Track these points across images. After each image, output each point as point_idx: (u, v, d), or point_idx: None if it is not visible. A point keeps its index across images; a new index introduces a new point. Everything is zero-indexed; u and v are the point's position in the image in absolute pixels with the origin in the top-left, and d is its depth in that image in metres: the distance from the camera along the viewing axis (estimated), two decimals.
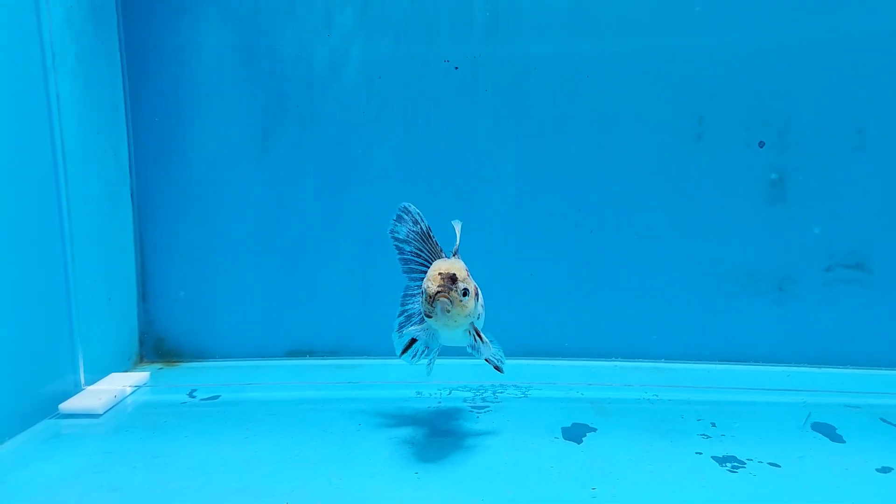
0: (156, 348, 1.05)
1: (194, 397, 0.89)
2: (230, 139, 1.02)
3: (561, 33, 0.99)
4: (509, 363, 1.01)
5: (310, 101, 1.01)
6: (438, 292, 0.61)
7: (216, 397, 0.89)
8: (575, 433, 0.76)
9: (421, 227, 0.71)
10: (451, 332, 0.66)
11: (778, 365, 0.98)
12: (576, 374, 0.96)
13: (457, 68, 1.00)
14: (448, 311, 0.62)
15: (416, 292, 0.73)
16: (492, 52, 1.00)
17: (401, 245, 0.73)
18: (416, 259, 0.72)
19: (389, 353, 1.03)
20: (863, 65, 0.95)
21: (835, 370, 0.96)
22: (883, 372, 0.95)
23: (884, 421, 0.79)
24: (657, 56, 0.97)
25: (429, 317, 0.63)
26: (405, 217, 0.72)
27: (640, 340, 1.01)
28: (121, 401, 0.87)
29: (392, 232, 0.73)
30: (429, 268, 0.70)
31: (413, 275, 0.73)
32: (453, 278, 0.63)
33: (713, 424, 0.78)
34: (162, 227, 1.04)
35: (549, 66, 0.99)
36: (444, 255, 0.70)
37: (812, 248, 0.97)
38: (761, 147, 0.98)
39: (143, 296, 1.05)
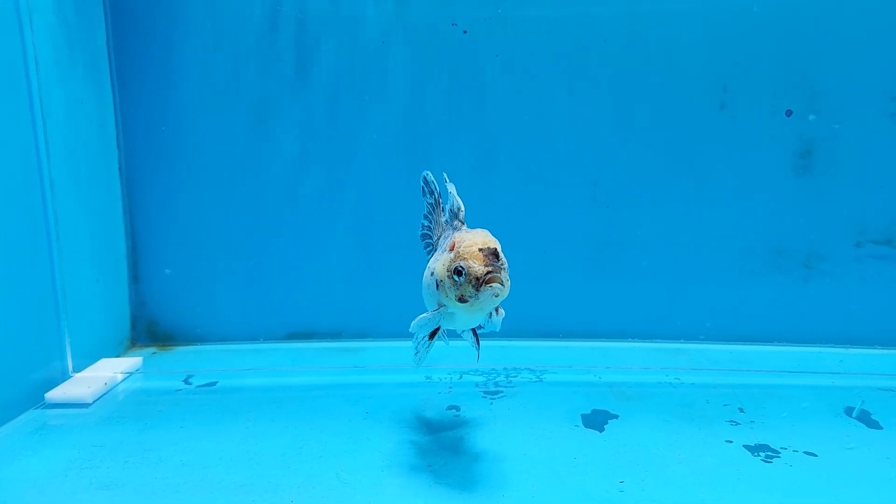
0: (149, 331, 1.00)
1: (190, 384, 0.85)
2: (225, 110, 0.96)
3: None
4: (521, 344, 0.97)
5: (308, 70, 0.95)
6: (489, 272, 0.51)
7: (213, 384, 0.84)
8: (596, 420, 0.71)
9: (434, 198, 0.65)
10: (475, 315, 0.56)
11: (805, 345, 0.94)
12: (592, 357, 0.92)
13: (465, 32, 0.94)
14: (497, 296, 0.51)
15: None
16: (503, 15, 0.93)
17: (423, 222, 0.67)
18: (428, 233, 0.67)
19: (394, 336, 1.01)
20: None
21: (865, 350, 0.92)
22: None
23: None
24: (679, 18, 0.91)
25: (464, 301, 0.52)
26: (425, 188, 0.66)
27: (658, 320, 0.96)
28: (111, 389, 0.82)
29: (424, 217, 0.67)
30: (432, 238, 0.65)
31: (427, 249, 0.68)
32: (496, 254, 0.52)
33: (741, 410, 0.74)
34: (154, 203, 0.98)
35: (565, 29, 0.93)
36: (447, 221, 0.64)
37: (841, 223, 0.92)
38: (788, 116, 0.92)
39: (135, 276, 0.99)
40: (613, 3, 0.92)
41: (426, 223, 0.67)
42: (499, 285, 0.51)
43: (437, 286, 0.55)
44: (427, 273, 0.59)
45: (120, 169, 0.97)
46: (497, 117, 0.95)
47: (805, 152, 0.92)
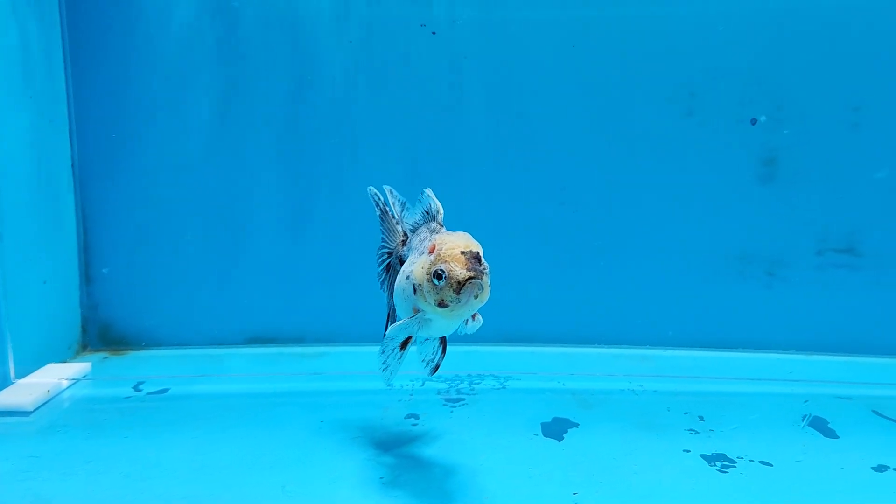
0: (101, 335, 0.96)
1: (140, 391, 0.81)
2: (186, 106, 0.93)
3: None
4: (487, 349, 0.96)
5: (270, 70, 0.92)
6: (471, 277, 0.49)
7: (165, 391, 0.81)
8: (556, 429, 0.70)
9: (380, 208, 0.65)
10: (452, 322, 0.54)
11: (768, 352, 0.94)
12: (557, 363, 0.91)
13: (434, 33, 0.92)
14: (476, 298, 0.49)
15: (383, 277, 0.66)
16: (472, 17, 0.92)
17: (382, 236, 0.66)
18: (381, 244, 0.66)
19: (358, 341, 0.99)
20: (860, 40, 0.89)
21: (826, 357, 0.92)
22: (874, 359, 0.91)
23: (877, 413, 0.75)
24: (648, 26, 0.91)
25: (444, 306, 0.50)
26: (377, 202, 0.65)
27: (624, 326, 0.96)
28: (55, 396, 0.79)
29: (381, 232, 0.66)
30: (388, 243, 0.64)
31: (380, 259, 0.67)
32: (478, 258, 0.50)
33: (701, 418, 0.73)
34: (108, 202, 0.95)
35: (534, 33, 0.92)
36: (400, 223, 0.63)
37: (803, 231, 0.93)
38: (753, 124, 0.92)
39: (87, 278, 0.96)
40: (583, 9, 0.91)
41: (383, 232, 0.66)
42: (480, 285, 0.49)
43: (415, 290, 0.52)
44: (402, 277, 0.56)
45: (73, 166, 0.94)
46: (465, 120, 0.94)
47: (769, 160, 0.93)
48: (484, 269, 0.50)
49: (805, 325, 0.93)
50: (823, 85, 0.91)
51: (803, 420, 0.72)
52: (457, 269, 0.49)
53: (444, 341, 0.61)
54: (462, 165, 0.94)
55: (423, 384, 0.83)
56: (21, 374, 0.81)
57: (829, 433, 0.70)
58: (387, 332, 0.56)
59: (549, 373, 0.86)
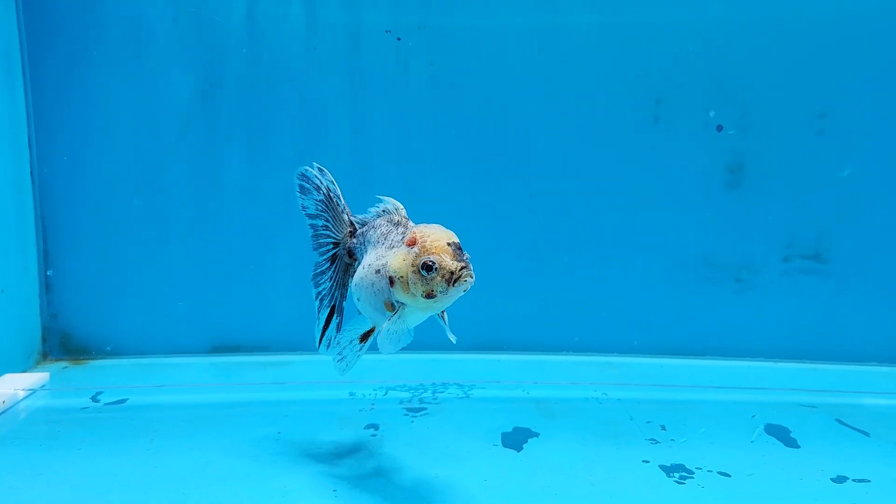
0: (62, 344, 0.95)
1: (98, 401, 0.80)
2: (149, 109, 0.92)
3: (512, 5, 0.91)
4: (453, 357, 0.95)
5: (232, 75, 0.91)
6: (463, 268, 0.50)
7: (123, 401, 0.80)
8: (516, 439, 0.70)
9: (323, 192, 0.61)
10: (426, 314, 0.55)
11: (735, 359, 0.94)
12: (522, 371, 0.90)
13: (399, 39, 0.92)
14: (465, 290, 0.51)
15: (324, 267, 0.63)
16: (437, 23, 0.91)
17: (312, 222, 0.63)
18: (325, 232, 0.62)
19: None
20: (826, 46, 0.90)
21: (792, 364, 0.93)
22: (840, 366, 0.92)
23: (840, 422, 0.75)
24: (614, 32, 0.91)
25: (432, 297, 0.51)
26: (307, 186, 0.61)
27: (591, 333, 0.95)
28: (11, 407, 0.77)
29: (303, 209, 0.63)
30: (333, 233, 0.61)
31: (320, 248, 0.63)
32: (460, 248, 0.52)
33: (663, 427, 0.73)
34: (68, 208, 0.93)
35: (500, 40, 0.91)
36: (351, 213, 0.62)
37: (771, 237, 0.93)
38: (719, 131, 0.92)
39: (46, 286, 0.94)
40: (547, 15, 0.91)
41: (321, 222, 0.62)
42: (469, 279, 0.51)
43: (392, 283, 0.53)
44: (368, 271, 0.56)
45: (32, 172, 0.92)
46: (431, 126, 0.93)
47: (736, 166, 0.93)
48: (468, 258, 0.52)
49: (772, 331, 0.94)
50: (789, 91, 0.91)
51: (755, 433, 0.71)
52: (448, 260, 0.50)
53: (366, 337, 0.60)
54: (429, 172, 0.94)
55: (386, 392, 0.82)
56: None
57: (791, 443, 0.70)
58: (381, 339, 0.54)
59: (514, 381, 0.86)
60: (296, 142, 0.93)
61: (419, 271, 0.51)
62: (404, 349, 0.98)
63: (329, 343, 0.63)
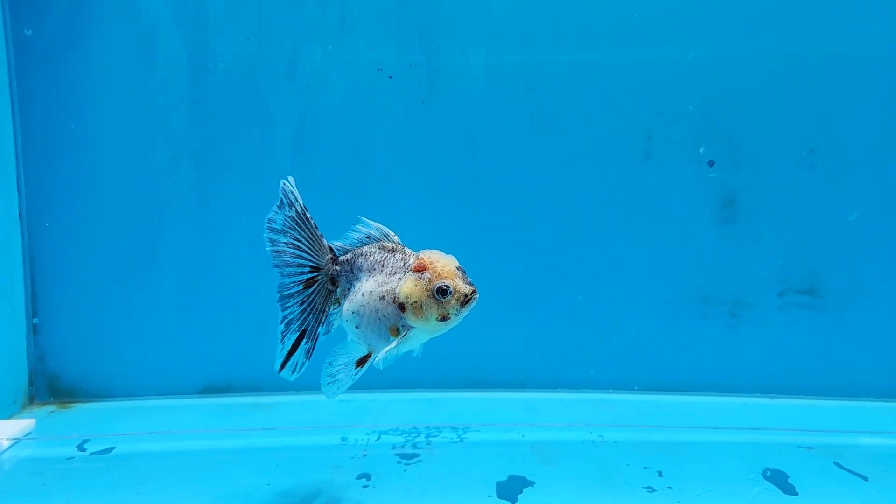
0: (49, 387, 0.93)
1: (84, 450, 0.78)
2: (139, 147, 0.91)
3: (503, 42, 0.91)
4: (445, 396, 0.94)
5: (231, 110, 0.91)
6: (474, 290, 0.55)
7: (110, 450, 0.78)
8: (511, 489, 0.68)
9: (296, 210, 0.59)
10: (426, 337, 0.58)
11: (730, 395, 0.93)
12: (516, 411, 0.89)
13: (391, 77, 0.92)
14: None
15: (293, 291, 0.61)
16: (429, 61, 0.91)
17: (275, 237, 0.60)
18: (292, 250, 0.60)
19: (313, 389, 0.96)
20: (815, 82, 0.90)
21: (789, 400, 0.92)
22: (836, 402, 0.91)
23: (838, 465, 0.74)
24: (605, 69, 0.91)
25: (446, 319, 0.55)
26: (284, 200, 0.59)
27: (585, 370, 0.95)
28: None
29: (269, 221, 0.60)
30: (311, 257, 0.60)
31: (287, 269, 0.60)
32: (463, 270, 0.56)
33: (660, 474, 0.72)
34: (57, 247, 0.92)
35: (491, 77, 0.91)
36: (323, 237, 0.60)
37: (765, 272, 0.93)
38: (711, 166, 0.92)
39: (34, 327, 0.93)
40: (539, 52, 0.91)
41: (286, 240, 0.59)
42: (476, 299, 0.55)
43: (404, 308, 0.55)
44: (372, 298, 0.57)
45: (20, 215, 0.91)
46: (423, 162, 0.93)
47: (728, 201, 0.93)
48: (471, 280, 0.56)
49: (768, 367, 0.93)
50: (780, 127, 0.91)
51: (752, 494, 0.69)
52: (461, 284, 0.55)
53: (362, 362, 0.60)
54: (421, 207, 0.93)
55: (378, 437, 0.81)
56: None
57: (789, 489, 0.69)
58: (381, 360, 0.56)
59: (509, 423, 0.84)
60: (293, 174, 0.92)
61: (434, 296, 0.54)
62: (397, 388, 0.97)
63: (295, 368, 0.61)
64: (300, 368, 0.61)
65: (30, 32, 0.89)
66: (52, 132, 0.90)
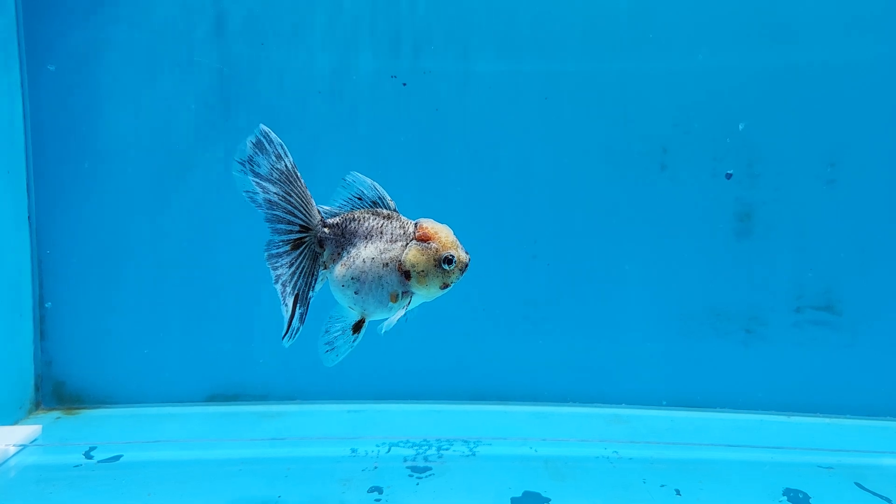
0: (55, 393, 0.92)
1: (91, 458, 0.77)
2: (148, 151, 0.90)
3: (519, 51, 0.91)
4: (457, 408, 0.93)
5: (241, 117, 0.90)
6: (468, 258, 0.58)
7: (117, 458, 0.77)
8: None
9: (286, 164, 0.56)
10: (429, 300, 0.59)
11: (746, 412, 0.91)
12: (529, 425, 0.87)
13: (405, 84, 0.91)
14: None
15: (283, 250, 0.58)
16: (443, 69, 0.91)
17: (263, 183, 0.56)
18: (283, 204, 0.57)
19: (321, 397, 0.95)
20: (836, 95, 0.89)
21: (807, 418, 0.90)
22: (856, 421, 0.89)
23: (859, 486, 0.72)
24: (620, 80, 0.90)
25: (447, 287, 0.58)
26: (267, 147, 0.55)
27: (598, 384, 0.93)
28: (1, 464, 0.74)
29: (249, 162, 0.56)
30: (301, 217, 0.58)
31: (279, 225, 0.57)
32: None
33: (678, 492, 0.70)
34: (66, 251, 0.91)
35: (506, 86, 0.91)
36: (312, 200, 0.58)
37: (781, 287, 0.91)
38: (728, 178, 0.91)
39: (41, 332, 0.92)
40: (554, 62, 0.90)
41: (277, 190, 0.56)
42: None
43: (408, 277, 0.56)
44: (374, 265, 0.57)
45: (30, 218, 0.90)
46: (436, 171, 0.92)
47: (744, 215, 0.92)
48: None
49: (784, 384, 0.91)
50: (799, 140, 0.90)
51: None
52: (462, 254, 0.58)
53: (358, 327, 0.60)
54: (433, 216, 0.92)
55: (389, 450, 0.80)
56: None
57: None
58: (386, 327, 0.56)
59: (521, 437, 0.83)
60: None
61: (440, 265, 0.56)
62: (407, 399, 0.95)
63: (293, 334, 0.58)
64: (295, 334, 0.58)
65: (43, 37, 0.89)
66: (63, 137, 0.90)
